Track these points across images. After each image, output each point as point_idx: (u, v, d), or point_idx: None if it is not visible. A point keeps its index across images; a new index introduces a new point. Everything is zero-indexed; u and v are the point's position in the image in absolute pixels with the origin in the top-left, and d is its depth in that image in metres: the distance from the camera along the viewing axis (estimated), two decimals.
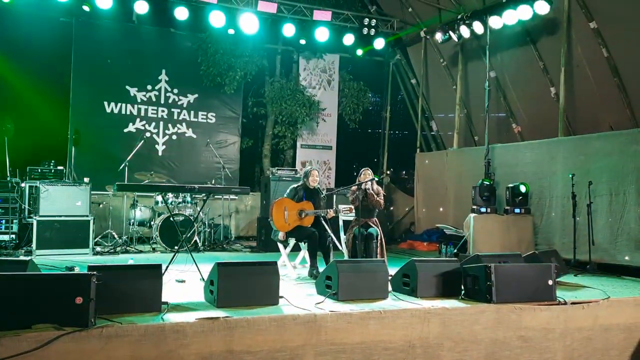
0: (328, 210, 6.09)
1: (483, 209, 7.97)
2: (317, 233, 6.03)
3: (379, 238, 6.20)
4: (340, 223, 6.69)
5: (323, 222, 6.09)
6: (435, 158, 10.89)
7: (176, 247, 6.01)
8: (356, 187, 6.38)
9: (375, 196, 6.30)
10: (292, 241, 6.32)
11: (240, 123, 10.93)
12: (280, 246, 6.30)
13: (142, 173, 8.64)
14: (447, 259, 6.62)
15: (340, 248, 6.14)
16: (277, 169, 9.10)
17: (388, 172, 12.94)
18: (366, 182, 6.28)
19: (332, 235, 5.90)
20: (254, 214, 10.62)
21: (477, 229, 7.73)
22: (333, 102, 11.62)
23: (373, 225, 6.34)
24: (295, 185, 6.36)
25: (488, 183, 8.13)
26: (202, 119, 10.64)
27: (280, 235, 6.09)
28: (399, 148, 13.16)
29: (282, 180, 8.78)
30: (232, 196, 10.14)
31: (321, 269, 5.46)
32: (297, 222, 6.10)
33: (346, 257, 6.26)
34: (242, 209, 10.81)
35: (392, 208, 11.96)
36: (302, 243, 6.29)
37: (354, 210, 6.13)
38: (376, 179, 6.41)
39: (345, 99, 11.57)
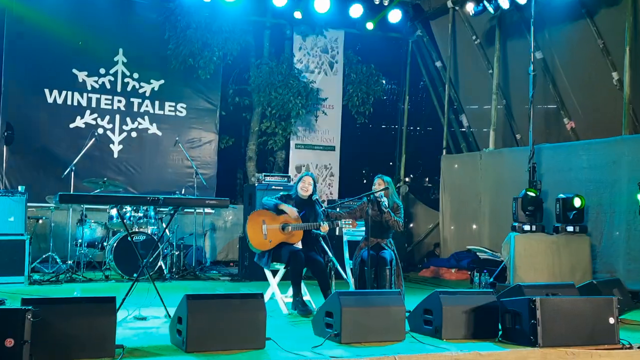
0: (320, 223, 6.10)
1: (527, 227, 7.98)
2: (301, 253, 6.03)
3: (393, 263, 6.20)
4: (345, 242, 6.70)
5: (322, 242, 6.10)
6: (466, 162, 10.91)
7: (135, 275, 6.00)
8: (366, 198, 6.40)
9: (393, 214, 6.31)
10: (282, 269, 6.32)
11: (219, 117, 10.97)
12: (269, 274, 6.30)
13: (93, 180, 8.66)
14: (480, 290, 6.62)
15: (344, 276, 6.14)
16: (265, 175, 9.15)
17: (406, 179, 12.97)
18: (379, 191, 6.29)
19: (333, 259, 5.89)
20: (235, 232, 10.64)
21: (519, 252, 7.74)
22: (336, 91, 11.66)
23: (387, 247, 6.34)
24: (285, 193, 6.41)
25: (533, 194, 8.15)
26: (169, 111, 10.68)
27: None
28: (421, 149, 13.21)
29: (271, 190, 8.81)
30: (207, 210, 10.15)
31: (318, 303, 5.47)
32: (280, 237, 6.12)
33: (352, 288, 6.25)
34: (221, 226, 10.84)
35: (411, 225, 11.97)
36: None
37: (356, 225, 6.16)
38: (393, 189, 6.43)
39: (352, 87, 11.62)
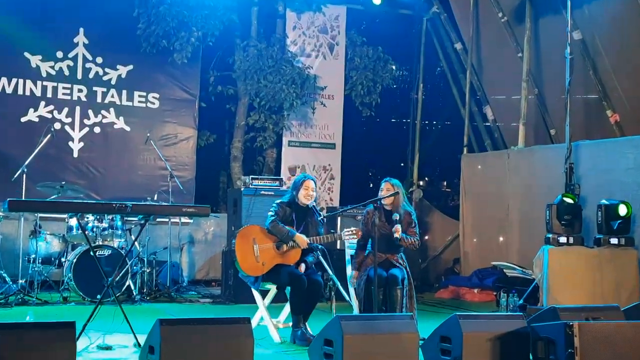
0: (328, 235, 6.12)
1: (563, 239, 7.96)
2: (304, 277, 6.04)
3: (405, 282, 6.21)
4: (347, 257, 6.71)
5: (321, 258, 6.11)
6: (491, 162, 10.91)
7: (99, 297, 5.98)
8: (372, 206, 6.42)
9: (406, 235, 6.33)
10: (273, 289, 6.34)
11: (198, 109, 10.97)
12: (257, 295, 6.31)
13: (49, 184, 8.64)
14: (508, 314, 6.61)
15: (347, 298, 6.14)
16: (253, 178, 9.14)
17: (420, 183, 12.98)
18: (387, 196, 6.32)
19: (334, 277, 5.90)
20: (217, 245, 10.62)
21: (553, 268, 7.72)
22: (337, 78, 11.66)
23: (397, 264, 6.35)
24: (281, 201, 6.38)
25: (571, 200, 8.14)
26: (139, 102, 10.68)
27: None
28: (437, 147, 13.23)
29: (260, 196, 8.82)
30: (184, 219, 10.14)
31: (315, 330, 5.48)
32: (275, 259, 6.13)
33: (356, 311, 6.25)
34: (200, 239, 10.83)
35: (426, 237, 11.96)
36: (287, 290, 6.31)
37: (361, 235, 6.17)
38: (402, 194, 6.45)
39: (356, 73, 11.61)
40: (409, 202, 6.73)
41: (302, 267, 6.18)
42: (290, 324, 6.13)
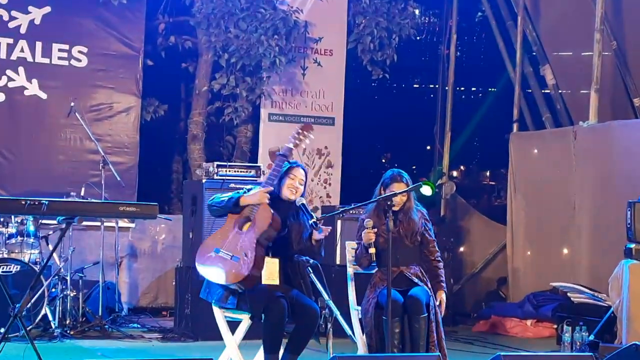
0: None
1: None
2: (284, 301, 6.02)
3: (432, 307, 6.23)
4: (349, 274, 6.70)
5: (312, 275, 6.10)
6: (552, 143, 10.92)
7: (2, 330, 5.96)
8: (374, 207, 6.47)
9: (429, 247, 6.44)
10: (246, 319, 6.28)
11: (142, 68, 10.97)
12: (223, 326, 6.30)
13: None
14: (573, 354, 6.61)
15: (349, 331, 6.14)
16: (220, 166, 9.15)
17: (453, 173, 12.98)
18: (395, 194, 6.34)
19: (330, 303, 5.88)
20: (169, 259, 10.66)
21: (636, 291, 7.73)
22: (337, 27, 11.64)
23: (418, 280, 6.37)
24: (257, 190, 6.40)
25: None
26: (59, 59, 10.63)
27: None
28: (477, 123, 13.18)
29: (229, 190, 8.62)
30: (123, 222, 10.15)
31: None
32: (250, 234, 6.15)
33: (361, 350, 6.26)
34: (146, 251, 10.85)
35: (461, 250, 11.98)
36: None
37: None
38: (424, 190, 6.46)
39: (364, 20, 11.59)
40: (419, 203, 6.73)
41: (317, 235, 6.13)
42: None
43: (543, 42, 11.75)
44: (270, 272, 6.20)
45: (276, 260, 6.21)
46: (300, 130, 6.51)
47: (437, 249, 6.61)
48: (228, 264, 6.05)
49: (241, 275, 6.00)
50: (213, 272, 6.10)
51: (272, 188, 6.22)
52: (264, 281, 6.15)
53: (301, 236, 6.29)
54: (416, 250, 6.48)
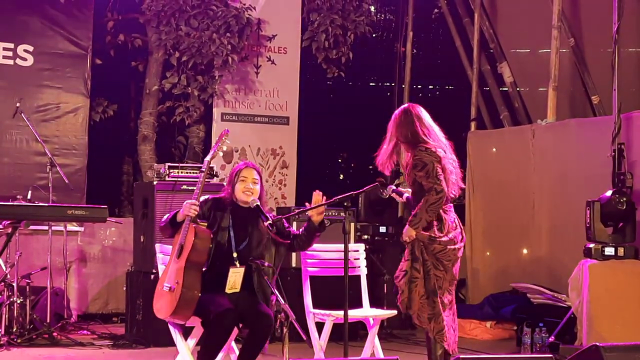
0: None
1: (609, 250, 8.04)
2: (231, 314, 6.01)
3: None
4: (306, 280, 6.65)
5: (266, 277, 6.13)
6: (510, 142, 10.96)
7: None
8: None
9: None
10: (198, 325, 6.30)
11: (91, 68, 10.93)
12: (176, 333, 6.27)
13: None
14: (533, 356, 6.62)
15: (305, 336, 6.09)
16: (171, 167, 9.13)
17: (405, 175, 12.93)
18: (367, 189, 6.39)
19: (282, 302, 5.83)
20: (119, 264, 10.64)
21: (596, 292, 7.79)
22: (292, 23, 11.67)
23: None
24: (207, 197, 6.43)
25: (619, 198, 8.17)
26: (4, 58, 10.57)
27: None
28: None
29: (181, 192, 8.82)
30: (72, 227, 10.11)
31: None
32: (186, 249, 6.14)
33: (317, 355, 6.38)
34: (95, 255, 10.79)
35: None
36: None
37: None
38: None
39: (319, 17, 11.60)
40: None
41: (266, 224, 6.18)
42: None
43: (500, 40, 11.82)
44: (234, 282, 6.21)
45: (241, 270, 6.21)
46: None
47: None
48: (166, 295, 6.14)
49: (175, 302, 6.06)
50: (161, 308, 6.21)
51: (197, 203, 6.18)
52: (227, 290, 6.17)
53: (266, 240, 6.34)
54: None
